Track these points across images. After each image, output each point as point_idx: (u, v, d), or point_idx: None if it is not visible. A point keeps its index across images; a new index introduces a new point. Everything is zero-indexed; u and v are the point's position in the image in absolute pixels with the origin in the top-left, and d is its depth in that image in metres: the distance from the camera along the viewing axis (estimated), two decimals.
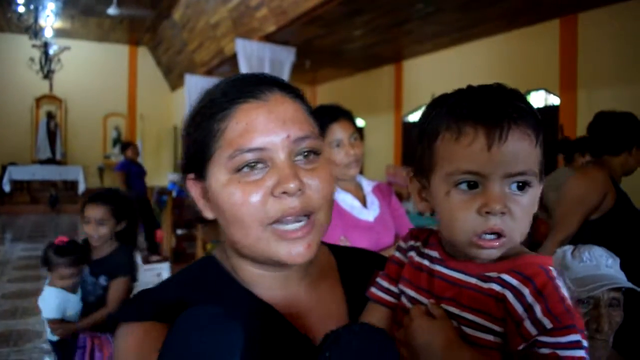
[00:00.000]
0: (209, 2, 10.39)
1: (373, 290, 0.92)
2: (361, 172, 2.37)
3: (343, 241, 2.05)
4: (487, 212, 0.74)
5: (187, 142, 0.93)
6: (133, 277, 3.04)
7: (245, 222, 0.84)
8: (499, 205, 0.74)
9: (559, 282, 0.74)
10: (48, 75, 14.39)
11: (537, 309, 0.71)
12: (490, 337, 0.75)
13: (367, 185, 2.35)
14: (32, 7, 12.41)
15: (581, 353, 0.72)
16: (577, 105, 8.64)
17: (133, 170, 8.87)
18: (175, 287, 0.93)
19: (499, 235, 0.75)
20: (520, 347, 0.73)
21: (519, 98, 0.79)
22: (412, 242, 0.91)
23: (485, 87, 0.81)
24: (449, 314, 0.79)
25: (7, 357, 4.52)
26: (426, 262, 0.85)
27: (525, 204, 0.76)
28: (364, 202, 2.28)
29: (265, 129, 0.84)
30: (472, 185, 0.76)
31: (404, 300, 0.88)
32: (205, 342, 0.68)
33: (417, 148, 0.85)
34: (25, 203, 14.77)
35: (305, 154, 0.87)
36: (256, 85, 0.89)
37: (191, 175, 0.92)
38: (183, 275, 0.97)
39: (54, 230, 11.66)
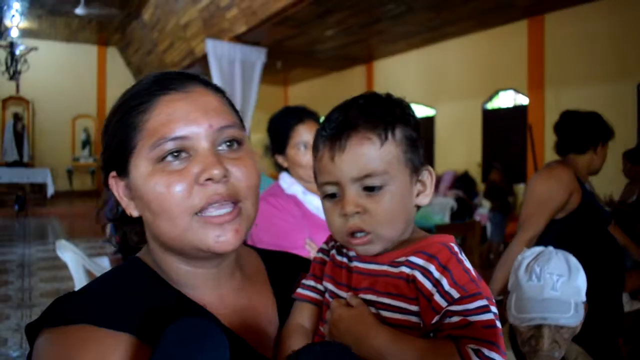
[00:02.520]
0: (179, 2, 10.30)
1: (299, 290, 0.96)
2: None
3: (309, 243, 2.03)
4: (345, 214, 0.83)
5: (108, 139, 0.91)
6: None
7: (172, 212, 0.83)
8: (350, 207, 0.82)
9: (462, 256, 0.82)
10: (14, 76, 14.09)
11: (444, 282, 0.78)
12: (406, 317, 0.81)
13: None
14: None
15: (490, 316, 0.78)
16: (545, 105, 8.78)
17: None
18: (103, 290, 0.88)
19: (367, 232, 0.83)
20: (434, 321, 0.78)
21: (373, 104, 0.86)
22: (332, 243, 0.96)
23: (351, 100, 0.89)
24: (366, 301, 0.84)
25: None
26: (345, 260, 0.90)
27: (384, 201, 0.83)
28: None
29: (187, 118, 0.85)
30: (333, 195, 0.85)
31: (327, 296, 0.92)
32: (193, 355, 0.68)
33: None
34: None
35: (229, 143, 0.88)
36: (177, 79, 0.90)
37: (113, 173, 0.91)
38: (108, 278, 0.93)
39: (22, 234, 11.43)
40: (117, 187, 0.91)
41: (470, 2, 8.02)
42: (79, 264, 4.70)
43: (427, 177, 0.89)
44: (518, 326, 1.64)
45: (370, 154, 0.82)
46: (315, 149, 0.88)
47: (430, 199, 0.90)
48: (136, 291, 0.88)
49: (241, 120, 0.95)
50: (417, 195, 0.88)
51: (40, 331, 0.82)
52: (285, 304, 0.99)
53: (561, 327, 1.60)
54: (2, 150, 15.68)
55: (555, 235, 2.63)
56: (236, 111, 0.95)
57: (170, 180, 0.83)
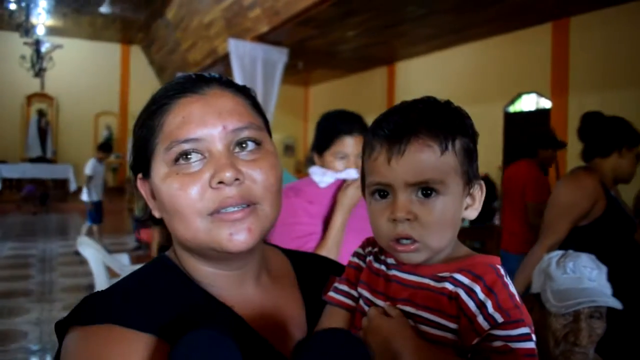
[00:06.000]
0: (203, 2, 10.36)
1: (332, 294, 0.94)
2: None
3: None
4: (394, 220, 0.81)
5: (134, 142, 0.94)
6: None
7: (184, 214, 0.84)
8: (402, 213, 0.80)
9: (507, 280, 0.80)
10: (39, 73, 14.30)
11: (489, 305, 0.76)
12: (444, 334, 0.79)
13: None
14: (23, 4, 12.34)
15: (531, 345, 0.76)
16: (569, 109, 8.67)
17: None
18: (130, 289, 0.89)
19: (414, 240, 0.81)
20: (474, 342, 0.77)
21: (434, 111, 0.84)
22: (369, 248, 0.94)
23: (410, 103, 0.86)
24: (405, 313, 0.82)
25: None
26: (383, 268, 0.89)
27: (436, 210, 0.81)
28: None
29: (201, 120, 0.86)
30: (383, 195, 0.83)
31: (361, 303, 0.90)
32: None
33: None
34: (15, 201, 14.66)
35: (244, 144, 0.88)
36: (195, 82, 0.91)
37: (139, 175, 0.93)
38: (137, 277, 0.93)
39: (44, 229, 11.59)
40: (144, 188, 0.93)
41: (493, 5, 7.95)
42: (99, 260, 4.77)
43: (478, 191, 0.88)
44: (555, 321, 1.63)
45: (430, 161, 0.80)
46: (369, 148, 0.85)
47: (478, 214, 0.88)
48: (164, 291, 0.89)
49: (265, 120, 0.95)
50: (466, 208, 0.87)
51: (69, 329, 0.84)
52: (314, 309, 0.97)
53: (596, 320, 1.61)
54: (26, 146, 15.94)
55: (577, 242, 2.59)
56: (259, 111, 0.95)
57: (184, 183, 0.84)
